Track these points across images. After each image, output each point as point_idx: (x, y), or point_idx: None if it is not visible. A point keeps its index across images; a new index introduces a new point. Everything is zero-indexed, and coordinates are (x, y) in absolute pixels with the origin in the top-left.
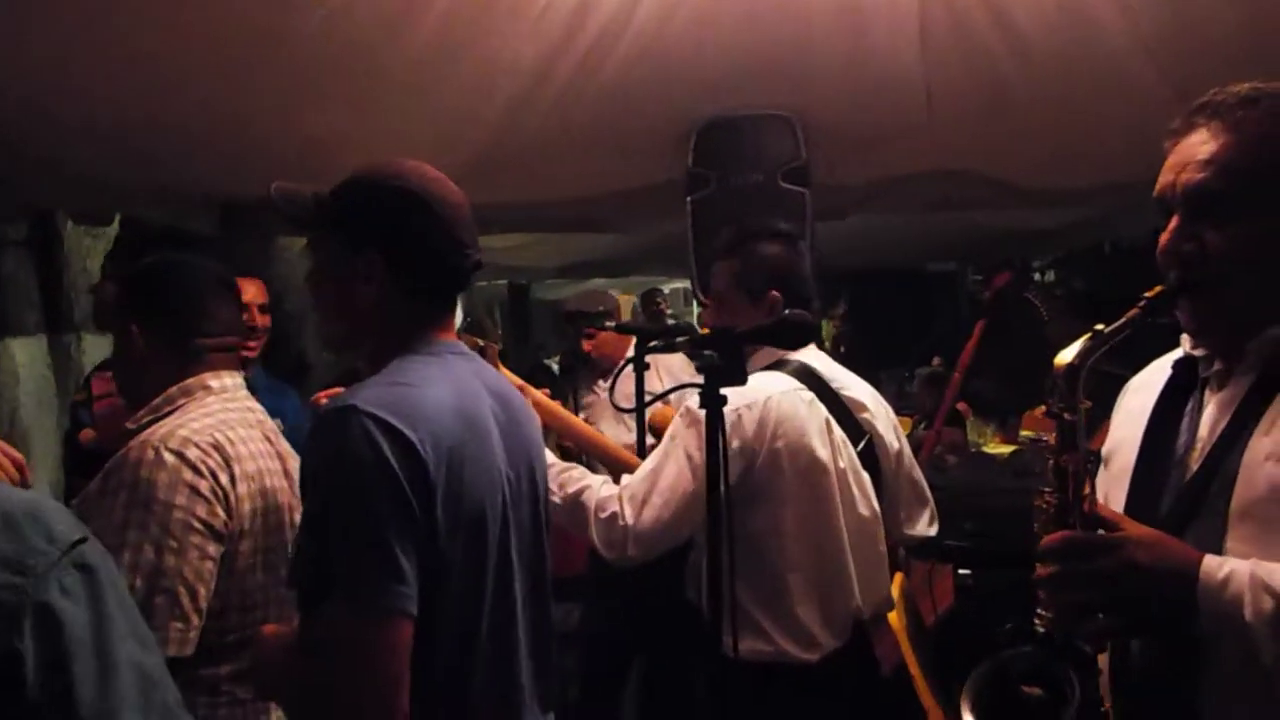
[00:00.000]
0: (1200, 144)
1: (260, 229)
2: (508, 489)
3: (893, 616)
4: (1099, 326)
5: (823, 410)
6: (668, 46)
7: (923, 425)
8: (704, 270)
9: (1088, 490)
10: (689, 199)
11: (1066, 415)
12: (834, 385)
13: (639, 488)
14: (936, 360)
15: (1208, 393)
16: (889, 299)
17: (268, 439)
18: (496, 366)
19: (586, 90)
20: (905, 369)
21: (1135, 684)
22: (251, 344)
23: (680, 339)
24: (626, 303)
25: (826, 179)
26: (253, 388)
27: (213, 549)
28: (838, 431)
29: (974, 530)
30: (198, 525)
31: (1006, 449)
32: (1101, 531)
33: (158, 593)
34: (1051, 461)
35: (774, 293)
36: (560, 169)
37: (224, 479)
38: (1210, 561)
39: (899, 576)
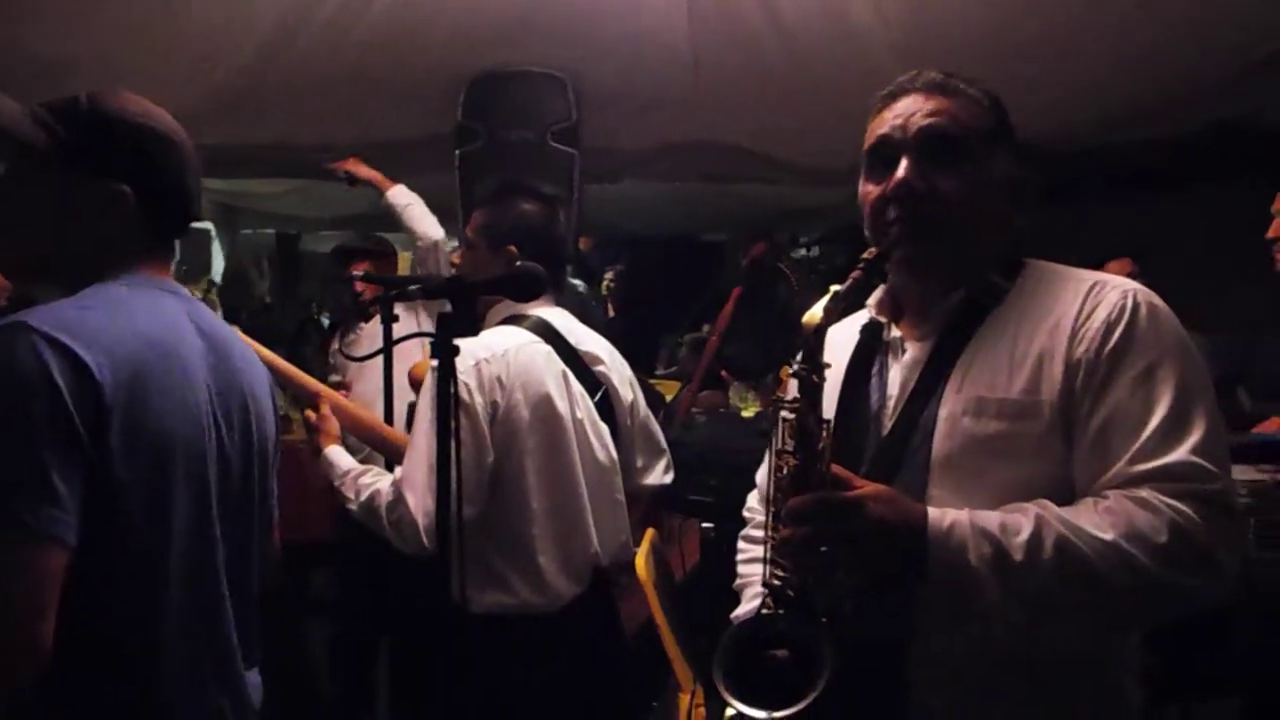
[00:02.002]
0: (923, 102)
1: None
2: (214, 432)
3: (642, 571)
4: (835, 287)
5: (559, 363)
6: None
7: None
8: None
9: (827, 450)
10: (457, 152)
11: (814, 377)
12: (571, 340)
13: (409, 470)
14: (705, 327)
15: (890, 356)
16: (664, 265)
17: None
18: None
19: (350, 32)
20: (676, 335)
21: (849, 634)
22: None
23: (413, 288)
24: (405, 259)
25: (597, 142)
26: None
27: None
28: (575, 383)
29: (717, 486)
30: None
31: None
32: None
33: None
34: (793, 421)
35: (512, 248)
36: (324, 113)
37: None
38: (934, 513)
39: (650, 531)
